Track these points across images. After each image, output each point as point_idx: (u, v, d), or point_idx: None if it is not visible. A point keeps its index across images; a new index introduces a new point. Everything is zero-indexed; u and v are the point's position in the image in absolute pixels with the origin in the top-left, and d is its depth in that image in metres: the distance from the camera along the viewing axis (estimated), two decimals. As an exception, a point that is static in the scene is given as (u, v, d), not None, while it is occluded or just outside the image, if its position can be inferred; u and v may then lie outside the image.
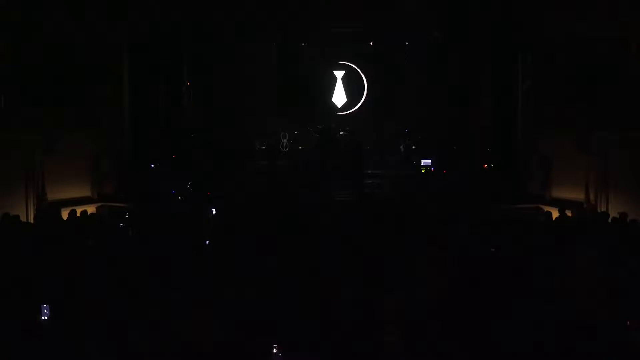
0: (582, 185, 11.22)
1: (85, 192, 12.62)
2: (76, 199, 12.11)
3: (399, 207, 11.52)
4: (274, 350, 4.11)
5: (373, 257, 6.42)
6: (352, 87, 16.53)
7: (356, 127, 15.62)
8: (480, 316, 4.84)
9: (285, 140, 15.06)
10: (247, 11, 13.64)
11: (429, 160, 14.32)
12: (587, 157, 11.28)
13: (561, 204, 10.48)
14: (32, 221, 10.77)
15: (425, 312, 4.88)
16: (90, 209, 11.14)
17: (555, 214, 9.97)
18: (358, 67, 16.52)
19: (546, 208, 11.27)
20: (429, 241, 6.97)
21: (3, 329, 4.66)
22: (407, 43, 15.79)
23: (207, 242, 7.75)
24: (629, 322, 4.45)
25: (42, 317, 4.85)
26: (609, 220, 9.07)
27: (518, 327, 4.59)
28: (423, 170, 14.25)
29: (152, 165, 14.06)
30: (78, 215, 9.65)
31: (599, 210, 10.70)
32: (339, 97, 16.58)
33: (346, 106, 16.55)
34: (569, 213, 10.19)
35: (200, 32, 14.61)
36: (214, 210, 10.10)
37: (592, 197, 11.11)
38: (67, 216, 9.75)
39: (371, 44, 15.95)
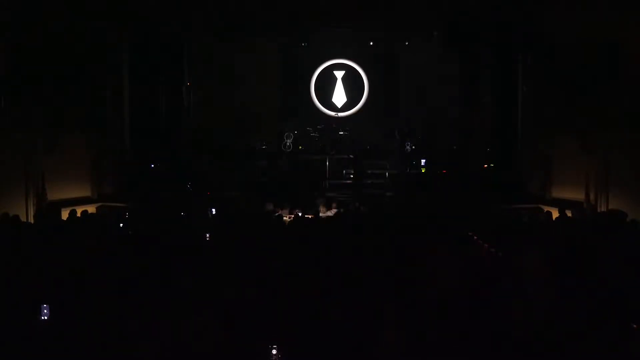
0: (583, 185, 11.21)
1: (85, 192, 12.60)
2: (76, 199, 12.09)
3: (399, 208, 11.55)
4: (273, 352, 4.10)
5: (372, 257, 6.42)
6: (352, 87, 16.53)
7: (356, 127, 15.62)
8: (479, 317, 4.84)
9: (289, 141, 15.05)
10: (247, 11, 13.63)
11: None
12: (588, 157, 11.27)
13: (561, 204, 10.49)
14: (32, 221, 10.77)
15: (425, 313, 4.88)
16: (90, 209, 11.14)
17: (555, 214, 9.98)
18: (358, 67, 16.52)
19: (546, 208, 11.27)
20: (428, 242, 6.97)
21: (2, 329, 4.66)
22: (407, 43, 15.80)
23: (207, 241, 7.76)
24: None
25: (42, 317, 4.84)
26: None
27: (517, 328, 4.57)
28: (423, 170, 14.27)
29: (152, 165, 14.07)
30: (78, 215, 9.65)
31: (599, 211, 10.71)
32: (339, 97, 16.58)
33: (346, 106, 16.55)
34: (569, 213, 10.20)
35: (201, 32, 14.62)
36: (214, 210, 10.10)
37: (592, 197, 11.10)
38: (67, 216, 9.75)
39: (371, 44, 15.96)
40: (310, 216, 9.51)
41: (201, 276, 5.76)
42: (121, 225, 9.11)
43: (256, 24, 14.29)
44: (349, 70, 16.55)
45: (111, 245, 7.38)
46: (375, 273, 5.83)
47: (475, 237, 7.91)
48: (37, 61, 11.09)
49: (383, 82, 16.27)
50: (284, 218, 9.58)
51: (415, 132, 15.06)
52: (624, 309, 4.75)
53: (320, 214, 9.84)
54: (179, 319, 4.50)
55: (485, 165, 14.15)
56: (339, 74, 16.56)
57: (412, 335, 4.32)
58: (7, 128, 10.73)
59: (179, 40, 14.72)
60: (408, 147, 14.67)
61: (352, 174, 14.03)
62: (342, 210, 10.57)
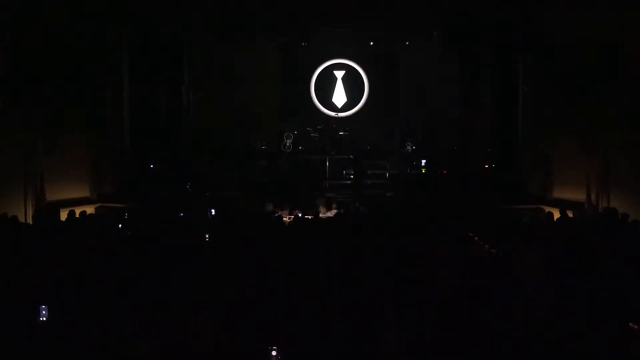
0: (583, 185, 11.21)
1: (84, 192, 12.58)
2: (75, 200, 12.08)
3: (399, 208, 11.54)
4: (273, 353, 4.09)
5: (372, 257, 6.42)
6: (352, 87, 16.53)
7: (356, 127, 15.62)
8: (479, 317, 4.83)
9: (289, 142, 15.03)
10: (247, 11, 13.64)
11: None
12: (588, 157, 11.27)
13: (561, 205, 10.48)
14: (30, 222, 10.76)
15: (425, 313, 4.87)
16: (90, 209, 11.13)
17: (556, 214, 9.96)
18: (358, 67, 16.52)
19: (547, 209, 11.25)
20: (428, 242, 6.97)
21: (2, 329, 4.65)
22: (407, 43, 15.80)
23: (207, 241, 7.76)
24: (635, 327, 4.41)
25: (41, 318, 4.83)
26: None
27: (517, 328, 4.57)
28: (423, 171, 14.27)
29: (152, 165, 14.07)
30: (77, 216, 9.64)
31: (599, 211, 10.70)
32: (339, 97, 16.58)
33: (346, 106, 16.55)
34: (570, 214, 10.18)
35: (201, 32, 14.61)
36: (213, 210, 10.09)
37: (593, 197, 11.09)
38: (66, 217, 9.73)
39: (371, 43, 15.96)
40: (310, 216, 9.50)
41: (201, 276, 5.76)
42: (120, 225, 9.11)
43: (256, 24, 14.29)
44: (349, 70, 16.55)
45: (111, 245, 7.38)
46: (375, 273, 5.83)
47: (475, 237, 7.90)
48: (37, 61, 11.07)
49: (383, 82, 16.27)
50: (284, 219, 9.57)
51: (415, 132, 15.06)
52: (624, 309, 4.74)
53: (320, 215, 9.83)
54: (179, 319, 4.49)
55: (486, 166, 14.15)
56: (339, 74, 16.55)
57: (412, 335, 4.32)
58: (7, 128, 10.72)
59: (179, 40, 14.71)
60: (408, 147, 14.66)
61: (352, 174, 14.03)
62: (342, 210, 10.56)
